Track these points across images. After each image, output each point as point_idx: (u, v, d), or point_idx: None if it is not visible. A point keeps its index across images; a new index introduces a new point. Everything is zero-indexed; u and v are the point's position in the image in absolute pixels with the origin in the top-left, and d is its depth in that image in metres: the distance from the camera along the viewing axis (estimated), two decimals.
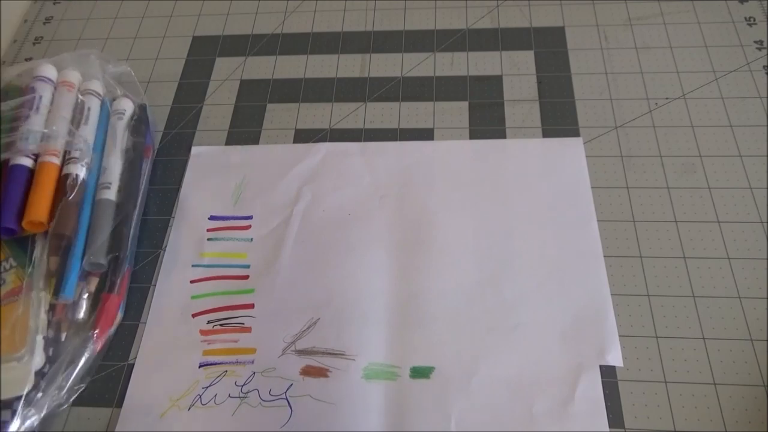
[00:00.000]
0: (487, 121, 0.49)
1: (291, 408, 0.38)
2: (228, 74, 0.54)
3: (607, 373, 0.38)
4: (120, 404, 0.39)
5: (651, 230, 0.43)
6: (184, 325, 0.42)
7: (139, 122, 0.49)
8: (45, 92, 0.46)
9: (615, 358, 0.38)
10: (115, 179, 0.45)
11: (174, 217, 0.46)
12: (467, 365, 0.39)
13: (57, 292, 0.40)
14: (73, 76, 0.48)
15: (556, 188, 0.45)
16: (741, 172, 0.45)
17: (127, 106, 0.49)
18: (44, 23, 0.60)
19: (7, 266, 0.42)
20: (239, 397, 0.39)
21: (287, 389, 0.39)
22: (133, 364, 0.40)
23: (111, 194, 0.44)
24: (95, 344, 0.40)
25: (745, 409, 0.36)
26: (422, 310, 0.41)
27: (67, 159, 0.44)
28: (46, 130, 0.43)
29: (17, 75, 0.48)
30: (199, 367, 0.40)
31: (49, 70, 0.47)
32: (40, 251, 0.42)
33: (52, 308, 0.41)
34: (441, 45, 0.54)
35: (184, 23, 0.58)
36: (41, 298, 0.40)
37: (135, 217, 0.44)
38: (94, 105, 0.47)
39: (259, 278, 0.43)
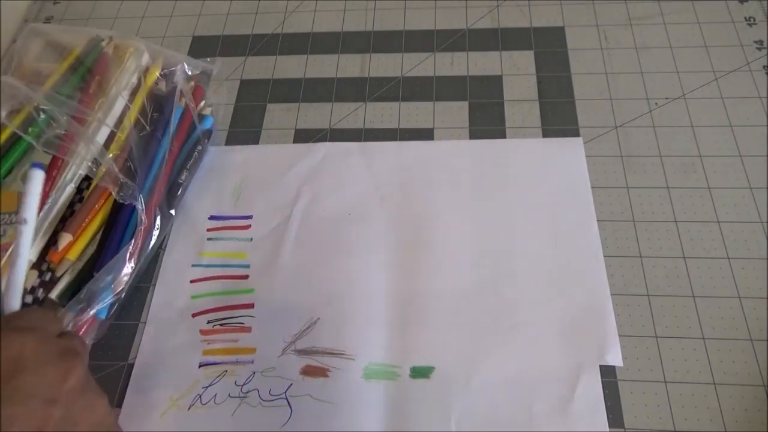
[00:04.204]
0: (487, 121, 0.49)
1: (291, 408, 0.38)
2: (228, 74, 0.54)
3: (607, 372, 0.38)
4: (120, 404, 0.39)
5: (651, 230, 0.43)
6: (184, 325, 0.42)
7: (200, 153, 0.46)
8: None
9: (615, 357, 0.38)
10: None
11: (174, 217, 0.46)
12: (467, 365, 0.38)
13: None
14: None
15: (556, 188, 0.45)
16: (741, 172, 0.45)
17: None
18: (44, 23, 0.60)
19: (13, 219, 0.41)
20: (239, 396, 0.39)
21: (287, 389, 0.39)
22: (133, 364, 0.40)
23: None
24: None
25: (745, 409, 0.36)
26: (422, 310, 0.41)
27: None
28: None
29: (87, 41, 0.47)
30: (199, 366, 0.40)
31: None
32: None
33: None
34: (441, 45, 0.54)
35: (184, 23, 0.58)
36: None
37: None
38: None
39: (259, 278, 0.43)
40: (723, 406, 0.37)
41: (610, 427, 0.36)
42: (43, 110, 0.41)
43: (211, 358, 0.40)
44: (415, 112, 0.50)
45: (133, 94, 0.46)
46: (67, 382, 0.27)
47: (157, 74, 0.47)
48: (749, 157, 0.45)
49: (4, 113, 0.44)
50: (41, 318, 0.31)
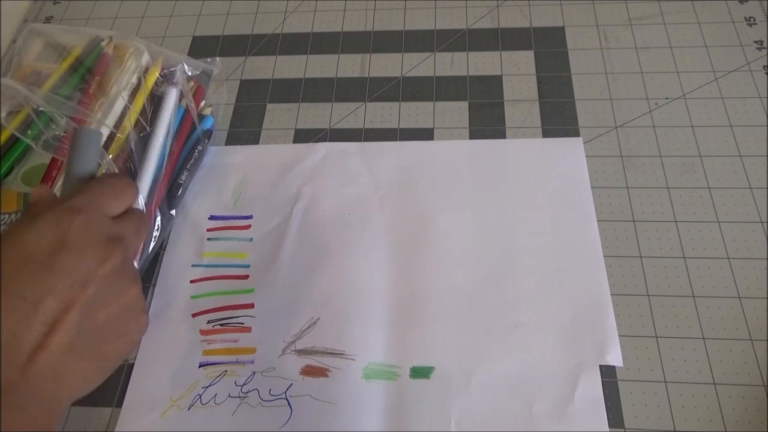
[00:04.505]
0: (487, 121, 0.49)
1: (291, 408, 0.38)
2: (228, 74, 0.54)
3: (607, 373, 0.38)
4: (120, 404, 0.39)
5: (651, 230, 0.43)
6: (184, 325, 0.42)
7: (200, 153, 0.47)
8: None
9: (615, 357, 0.38)
10: None
11: (174, 218, 0.46)
12: (467, 365, 0.39)
13: None
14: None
15: (556, 188, 0.45)
16: (741, 172, 0.45)
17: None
18: (44, 23, 0.60)
19: (14, 219, 0.41)
20: (239, 396, 0.39)
21: (287, 389, 0.39)
22: (133, 364, 0.40)
23: None
24: None
25: (745, 409, 0.36)
26: (422, 310, 0.41)
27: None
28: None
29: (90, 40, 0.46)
30: (199, 366, 0.40)
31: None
32: None
33: None
34: (441, 45, 0.54)
35: (184, 23, 0.58)
36: None
37: None
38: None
39: (259, 278, 0.43)
40: (723, 406, 0.37)
41: (610, 427, 0.36)
42: (42, 112, 0.41)
43: (211, 358, 0.40)
44: (415, 112, 0.50)
45: (133, 94, 0.46)
46: (103, 267, 0.29)
47: (157, 74, 0.47)
48: (749, 157, 0.45)
49: (3, 114, 0.44)
50: (100, 199, 0.32)
